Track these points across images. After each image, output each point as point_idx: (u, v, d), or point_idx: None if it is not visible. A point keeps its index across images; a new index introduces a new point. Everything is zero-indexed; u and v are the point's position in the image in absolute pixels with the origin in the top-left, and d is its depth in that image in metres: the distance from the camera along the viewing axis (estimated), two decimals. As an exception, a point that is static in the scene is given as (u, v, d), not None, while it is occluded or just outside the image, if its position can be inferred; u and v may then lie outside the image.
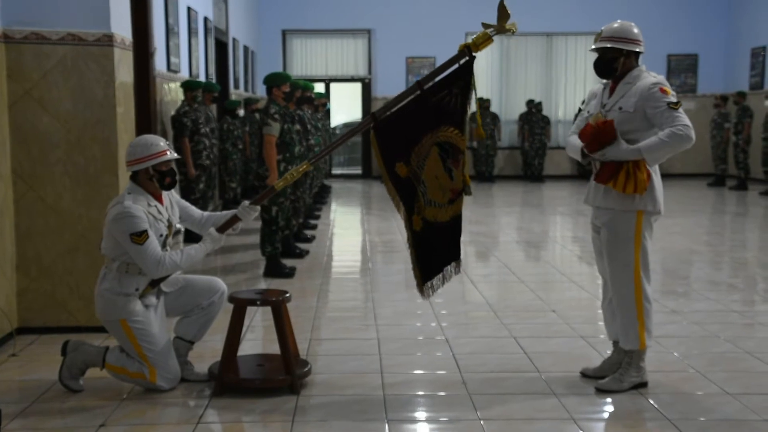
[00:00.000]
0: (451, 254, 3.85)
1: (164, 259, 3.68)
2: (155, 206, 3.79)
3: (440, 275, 3.86)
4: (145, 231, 3.64)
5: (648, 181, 3.76)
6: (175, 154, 3.83)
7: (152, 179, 3.76)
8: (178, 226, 4.05)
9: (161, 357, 3.79)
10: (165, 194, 3.89)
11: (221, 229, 3.88)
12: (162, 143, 3.80)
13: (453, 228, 3.79)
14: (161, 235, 3.78)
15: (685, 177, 15.46)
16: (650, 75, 3.84)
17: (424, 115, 3.69)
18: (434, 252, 3.82)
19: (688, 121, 3.71)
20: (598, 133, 3.75)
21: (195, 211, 4.04)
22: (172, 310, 3.96)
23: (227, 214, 3.94)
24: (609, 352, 4.33)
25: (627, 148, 3.73)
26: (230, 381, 3.82)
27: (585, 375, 4.06)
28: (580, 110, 5.49)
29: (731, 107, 14.27)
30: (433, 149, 3.70)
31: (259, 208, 3.87)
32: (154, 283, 3.83)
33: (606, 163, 3.78)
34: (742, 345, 4.62)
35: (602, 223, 3.92)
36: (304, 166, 3.78)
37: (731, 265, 7.37)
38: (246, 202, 3.86)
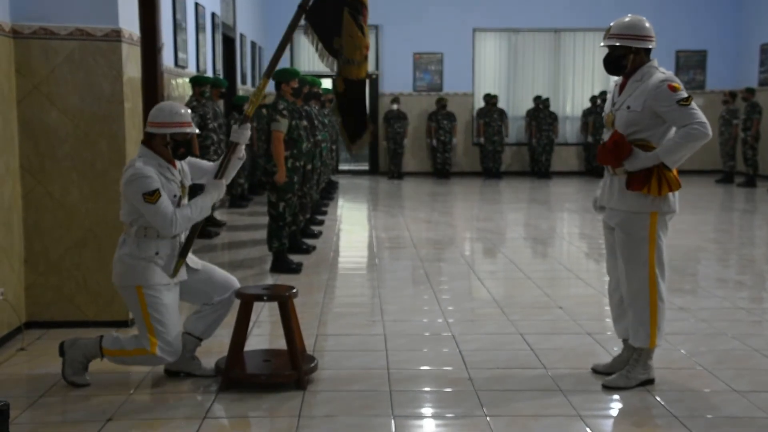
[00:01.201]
0: (365, 112, 4.19)
1: (176, 216, 3.71)
2: (167, 167, 3.81)
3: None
4: (157, 190, 3.66)
5: (678, 178, 3.76)
6: (196, 129, 3.86)
7: (167, 146, 3.79)
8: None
9: (167, 329, 3.77)
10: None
11: (219, 174, 3.91)
12: (184, 112, 3.82)
13: (363, 87, 4.08)
14: (175, 196, 3.80)
15: (693, 174, 15.40)
16: (659, 71, 3.79)
17: None
18: (357, 111, 4.09)
19: (702, 117, 3.69)
20: (615, 151, 3.74)
21: (205, 164, 4.07)
22: (186, 293, 3.95)
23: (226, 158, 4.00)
24: (616, 349, 4.33)
25: (645, 156, 3.71)
26: (237, 376, 3.83)
27: (596, 371, 4.06)
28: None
29: (740, 103, 14.20)
30: (345, 11, 3.89)
31: (248, 126, 3.91)
32: (184, 253, 3.83)
33: (633, 172, 3.76)
34: (750, 342, 4.61)
35: (616, 223, 3.89)
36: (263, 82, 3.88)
37: (739, 262, 7.34)
38: (235, 126, 3.93)
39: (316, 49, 3.99)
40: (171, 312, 3.81)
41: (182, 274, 3.87)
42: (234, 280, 4.03)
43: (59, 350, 3.91)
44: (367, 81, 4.11)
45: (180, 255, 3.84)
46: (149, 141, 3.81)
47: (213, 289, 3.96)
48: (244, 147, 3.96)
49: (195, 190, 4.05)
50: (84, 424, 3.43)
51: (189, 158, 4.01)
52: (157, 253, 3.77)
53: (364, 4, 3.95)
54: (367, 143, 4.40)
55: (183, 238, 3.90)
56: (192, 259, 3.96)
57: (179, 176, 3.88)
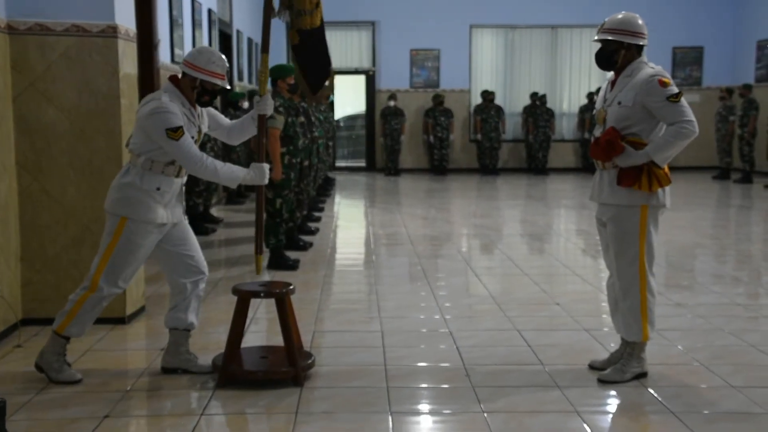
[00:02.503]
0: (327, 59, 4.25)
1: (206, 158, 3.70)
2: (189, 109, 3.80)
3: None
4: (181, 127, 3.64)
5: (668, 174, 3.80)
6: (227, 85, 3.85)
7: (193, 90, 3.78)
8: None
9: (123, 261, 3.74)
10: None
11: (259, 157, 3.92)
12: (223, 67, 3.80)
13: (322, 34, 4.10)
14: (192, 137, 3.79)
15: (689, 170, 15.43)
16: (649, 66, 3.82)
17: None
18: (318, 61, 4.13)
19: (690, 114, 3.71)
20: (607, 149, 3.77)
21: (223, 119, 4.06)
22: (158, 253, 3.90)
23: (246, 117, 4.01)
24: (613, 345, 4.34)
25: (636, 154, 3.74)
26: (234, 373, 3.83)
27: (593, 367, 4.07)
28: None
29: (737, 100, 14.22)
30: None
31: (269, 96, 3.92)
32: (259, 249, 3.87)
33: (624, 168, 3.78)
34: (747, 338, 4.61)
35: (608, 218, 3.92)
36: None
37: (736, 258, 7.35)
38: (257, 97, 3.93)
39: (284, 7, 3.97)
40: (139, 253, 3.77)
41: (177, 215, 3.84)
42: (204, 265, 3.98)
43: (37, 369, 3.90)
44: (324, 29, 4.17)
45: (256, 251, 3.88)
46: (178, 79, 3.80)
47: (183, 263, 3.90)
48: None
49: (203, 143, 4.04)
50: (81, 421, 3.42)
51: (209, 108, 4.01)
52: (158, 189, 3.74)
53: None
54: (331, 93, 4.45)
55: (185, 179, 3.88)
56: (177, 214, 3.91)
57: (198, 120, 3.87)
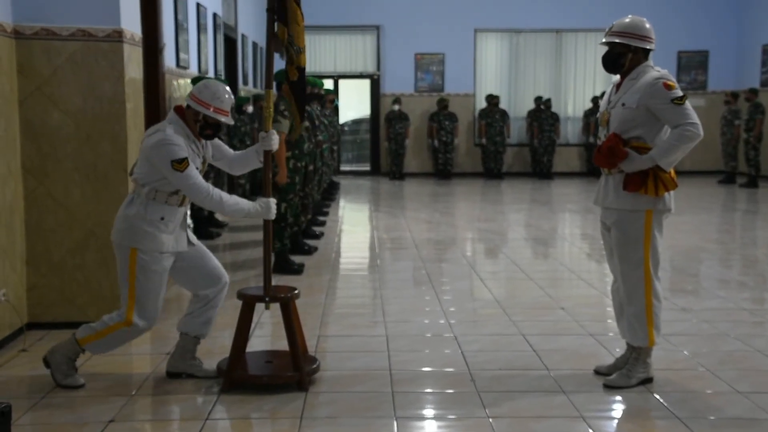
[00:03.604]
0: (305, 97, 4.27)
1: (212, 190, 3.73)
2: (193, 140, 3.82)
3: None
4: (186, 159, 3.66)
5: (675, 177, 3.79)
6: (231, 121, 3.86)
7: (196, 123, 3.79)
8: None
9: (149, 296, 3.75)
10: None
11: (265, 191, 3.94)
12: (228, 103, 3.81)
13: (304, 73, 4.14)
14: (197, 168, 3.80)
15: (695, 174, 15.40)
16: (654, 69, 3.82)
17: None
18: (303, 97, 4.17)
19: (695, 117, 3.71)
20: (609, 156, 3.77)
21: (227, 150, 4.07)
22: (176, 270, 3.92)
23: (251, 150, 4.02)
24: (619, 350, 4.32)
25: (641, 159, 3.73)
26: (239, 377, 3.83)
27: (598, 372, 4.05)
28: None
29: (742, 104, 14.19)
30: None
31: (275, 134, 3.92)
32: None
33: (630, 173, 3.77)
34: (753, 343, 4.60)
35: (612, 222, 3.91)
36: None
37: (741, 262, 7.33)
38: (263, 133, 3.93)
39: (284, 45, 3.98)
40: (158, 281, 3.78)
41: (182, 244, 3.86)
42: (223, 273, 4.00)
43: (44, 364, 3.91)
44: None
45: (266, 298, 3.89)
46: (183, 110, 3.81)
47: (201, 276, 3.93)
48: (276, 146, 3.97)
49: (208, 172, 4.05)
50: (86, 425, 3.42)
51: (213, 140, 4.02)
52: (162, 219, 3.75)
53: None
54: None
55: (188, 208, 3.90)
56: (191, 235, 3.95)
57: (202, 151, 3.89)
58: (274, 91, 4.08)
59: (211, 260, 3.98)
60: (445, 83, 16.19)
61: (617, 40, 3.82)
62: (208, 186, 3.74)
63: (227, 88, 3.87)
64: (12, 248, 4.62)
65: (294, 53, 3.93)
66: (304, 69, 4.03)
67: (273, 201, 3.90)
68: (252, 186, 11.83)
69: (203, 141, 3.90)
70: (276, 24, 3.91)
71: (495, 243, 8.33)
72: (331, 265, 7.06)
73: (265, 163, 3.97)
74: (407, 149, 15.80)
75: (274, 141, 3.93)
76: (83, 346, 3.85)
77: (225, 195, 3.78)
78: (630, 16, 3.91)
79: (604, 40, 3.89)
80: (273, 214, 3.90)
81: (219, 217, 9.24)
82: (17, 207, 4.69)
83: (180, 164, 3.64)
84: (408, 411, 3.60)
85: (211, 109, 3.74)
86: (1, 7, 4.52)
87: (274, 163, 6.50)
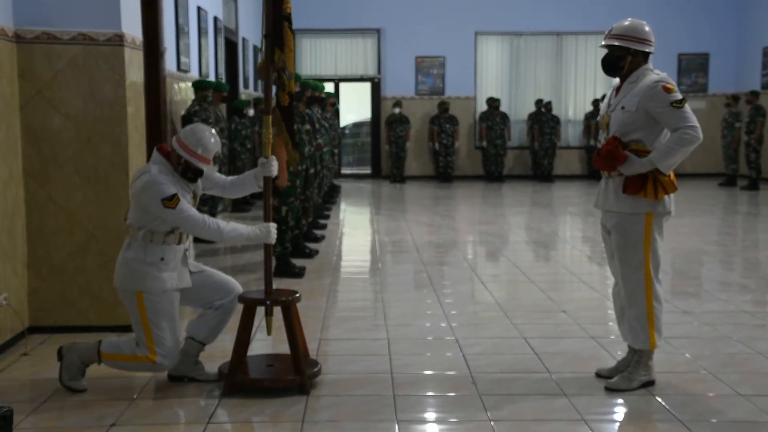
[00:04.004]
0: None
1: (207, 219, 3.73)
2: (179, 178, 3.81)
3: None
4: (176, 194, 3.66)
5: (675, 180, 3.79)
6: (214, 170, 3.85)
7: (179, 166, 3.79)
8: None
9: (166, 334, 3.76)
10: None
11: (266, 216, 3.94)
12: (211, 151, 3.78)
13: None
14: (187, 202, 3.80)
15: (695, 177, 15.39)
16: (653, 73, 3.83)
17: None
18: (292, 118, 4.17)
19: (694, 120, 3.71)
20: (608, 159, 3.78)
21: (219, 177, 4.07)
22: (186, 298, 3.94)
23: (248, 174, 4.03)
24: (620, 353, 4.32)
25: (640, 162, 3.73)
26: (240, 381, 3.82)
27: (600, 375, 4.05)
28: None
29: (743, 106, 14.19)
30: (285, 24, 3.92)
31: (275, 160, 3.94)
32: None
33: (629, 176, 3.78)
34: (754, 346, 4.59)
35: (612, 225, 3.91)
36: None
37: (743, 265, 7.33)
38: (263, 159, 3.94)
39: (278, 70, 3.97)
40: (171, 317, 3.80)
41: (186, 281, 3.87)
42: (235, 284, 4.02)
43: (57, 354, 3.90)
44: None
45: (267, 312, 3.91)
46: (167, 150, 3.81)
47: (213, 291, 3.95)
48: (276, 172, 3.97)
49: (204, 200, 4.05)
50: (87, 429, 3.42)
51: None
52: (162, 259, 3.77)
53: (288, 13, 3.99)
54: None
55: (188, 244, 3.91)
56: (192, 263, 3.96)
57: (191, 186, 3.89)
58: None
59: (220, 276, 4.00)
60: (446, 86, 16.20)
61: (616, 43, 3.82)
62: (204, 216, 3.74)
63: (214, 134, 3.84)
64: (13, 252, 4.62)
65: (286, 79, 3.94)
66: (293, 95, 4.03)
67: (273, 225, 3.90)
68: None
69: None
70: (273, 49, 3.92)
71: (496, 246, 8.33)
72: (332, 269, 7.06)
73: (265, 190, 3.97)
74: (408, 152, 15.81)
75: (274, 167, 3.94)
76: (104, 360, 3.86)
77: (222, 222, 3.79)
78: (629, 19, 3.91)
79: (603, 43, 3.89)
80: (273, 239, 3.91)
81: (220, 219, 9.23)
82: (18, 211, 4.70)
83: (171, 201, 3.65)
84: (409, 414, 3.59)
85: (194, 156, 3.74)
86: (2, 11, 4.52)
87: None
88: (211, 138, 3.80)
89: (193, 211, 3.72)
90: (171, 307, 3.81)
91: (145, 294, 3.74)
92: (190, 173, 3.81)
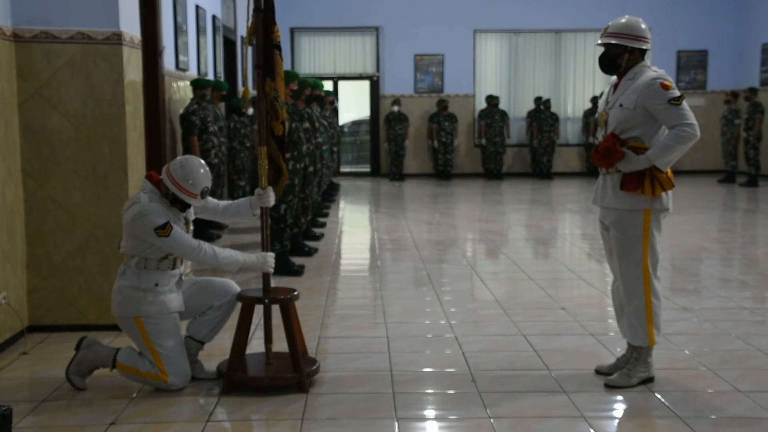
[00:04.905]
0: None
1: (203, 245, 3.74)
2: (169, 206, 3.82)
3: None
4: (167, 222, 3.68)
5: (672, 177, 3.80)
6: (201, 202, 3.83)
7: (167, 196, 3.80)
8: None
9: (171, 354, 3.79)
10: None
11: (264, 246, 3.96)
12: (198, 186, 3.77)
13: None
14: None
15: (695, 174, 15.40)
16: (651, 70, 3.83)
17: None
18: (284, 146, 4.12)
19: (691, 118, 3.71)
20: (606, 156, 3.78)
21: (211, 201, 4.07)
22: (188, 311, 3.97)
23: (244, 202, 4.03)
24: (619, 350, 4.32)
25: (638, 159, 3.74)
26: (239, 379, 3.83)
27: (599, 372, 4.05)
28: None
29: (742, 103, 14.19)
30: (276, 53, 3.91)
31: (271, 191, 3.95)
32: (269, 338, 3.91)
33: (627, 173, 3.78)
34: (754, 342, 4.60)
35: (610, 222, 3.92)
36: None
37: (742, 262, 7.33)
38: (259, 189, 3.94)
39: (270, 99, 3.96)
40: (174, 337, 3.82)
41: (180, 304, 3.89)
42: (231, 283, 4.03)
43: (77, 344, 3.90)
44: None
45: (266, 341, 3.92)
46: (157, 177, 3.82)
47: (211, 296, 3.97)
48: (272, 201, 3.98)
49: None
50: (87, 428, 3.42)
51: None
52: (156, 285, 3.79)
53: (277, 41, 3.98)
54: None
55: (183, 269, 3.91)
56: (185, 280, 3.98)
57: (183, 213, 3.89)
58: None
59: (214, 281, 4.01)
60: (445, 84, 16.20)
61: (613, 41, 3.83)
62: (199, 243, 3.74)
63: (204, 167, 3.81)
64: (12, 251, 4.62)
65: (279, 107, 3.93)
66: (284, 122, 4.02)
67: (271, 255, 3.91)
68: (252, 188, 11.84)
69: None
70: (264, 80, 3.91)
71: (495, 243, 8.33)
72: (332, 267, 7.06)
73: (262, 220, 3.97)
74: (407, 150, 15.81)
75: (271, 199, 3.95)
76: (118, 369, 3.85)
77: (218, 248, 3.81)
78: (625, 16, 3.91)
79: (599, 42, 3.90)
80: (270, 269, 3.90)
81: (226, 235, 9.23)
82: (17, 210, 4.69)
83: (164, 230, 3.66)
84: (409, 412, 3.60)
85: (181, 191, 3.75)
86: (1, 11, 4.52)
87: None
88: (200, 170, 3.79)
89: (188, 238, 3.73)
90: (172, 327, 3.83)
91: (143, 318, 3.76)
92: (178, 204, 3.82)
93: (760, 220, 10.23)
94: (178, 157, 3.87)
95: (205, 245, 3.77)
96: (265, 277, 3.97)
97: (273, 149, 3.97)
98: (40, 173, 4.76)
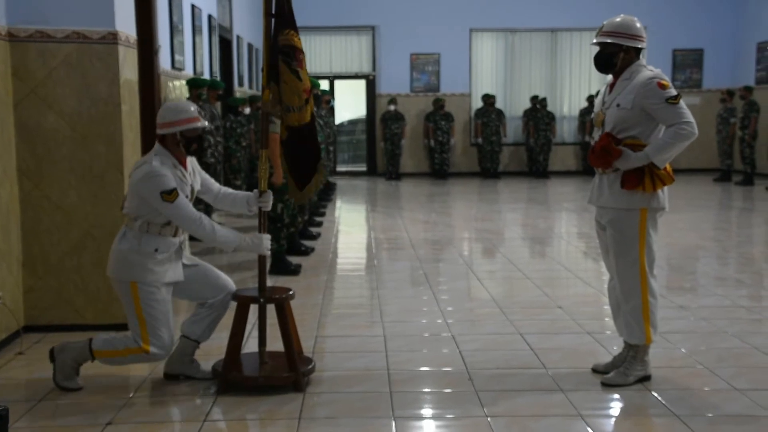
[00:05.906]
0: (315, 155, 4.10)
1: (203, 219, 3.73)
2: (180, 170, 3.81)
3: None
4: (175, 189, 3.67)
5: (671, 172, 3.81)
6: (206, 122, 3.85)
7: (179, 144, 3.78)
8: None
9: (159, 324, 3.75)
10: (188, 160, 3.90)
11: (261, 228, 3.94)
12: (192, 109, 3.80)
13: (311, 130, 4.03)
14: (186, 196, 3.80)
15: (691, 172, 15.42)
16: (647, 69, 3.84)
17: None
18: (306, 156, 4.07)
19: (689, 116, 3.72)
20: (603, 156, 3.79)
21: (213, 183, 4.08)
22: (179, 290, 3.93)
23: (242, 196, 4.03)
24: (616, 348, 4.33)
25: (636, 156, 3.74)
26: (234, 378, 3.82)
27: (596, 371, 4.06)
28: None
29: (737, 102, 14.21)
30: (279, 59, 3.89)
31: (270, 195, 3.97)
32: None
33: (627, 171, 3.78)
34: (750, 340, 4.60)
35: (607, 221, 3.92)
36: None
37: (738, 260, 7.34)
38: (257, 191, 3.95)
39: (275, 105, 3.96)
40: (164, 307, 3.79)
41: (179, 274, 3.86)
42: (229, 282, 4.01)
43: (49, 356, 3.89)
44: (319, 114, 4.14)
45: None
46: (162, 141, 3.81)
47: (207, 288, 3.94)
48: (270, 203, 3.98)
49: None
50: (83, 428, 3.42)
51: (201, 170, 4.03)
52: (156, 250, 3.75)
53: (297, 47, 3.95)
54: (316, 191, 4.38)
55: (183, 238, 3.90)
56: (187, 256, 3.95)
57: (190, 179, 3.88)
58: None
59: (213, 272, 3.99)
60: (441, 83, 16.20)
61: (608, 41, 3.83)
62: (200, 215, 3.74)
63: (180, 99, 3.86)
64: (8, 251, 4.61)
65: (282, 111, 3.92)
66: (296, 127, 3.95)
67: (267, 237, 3.90)
68: (249, 188, 11.83)
69: (190, 168, 3.90)
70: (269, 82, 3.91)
71: (492, 242, 8.34)
72: (328, 266, 7.06)
73: (260, 219, 3.97)
74: (403, 149, 15.80)
75: (269, 202, 3.95)
76: (97, 358, 3.84)
77: (216, 225, 3.80)
78: (620, 15, 3.92)
79: (595, 41, 3.90)
80: (266, 251, 3.90)
81: (215, 217, 9.22)
82: (13, 209, 4.68)
83: (170, 195, 3.65)
84: (406, 411, 3.60)
85: (185, 123, 3.75)
86: (-4, 10, 4.51)
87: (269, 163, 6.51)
88: (183, 102, 3.81)
89: (191, 209, 3.72)
90: (165, 299, 3.80)
91: (139, 284, 3.73)
92: (192, 144, 3.80)
93: (756, 218, 10.25)
94: (159, 111, 3.85)
95: (206, 219, 3.75)
96: (262, 276, 3.97)
97: (272, 153, 3.97)
98: (35, 172, 4.75)
